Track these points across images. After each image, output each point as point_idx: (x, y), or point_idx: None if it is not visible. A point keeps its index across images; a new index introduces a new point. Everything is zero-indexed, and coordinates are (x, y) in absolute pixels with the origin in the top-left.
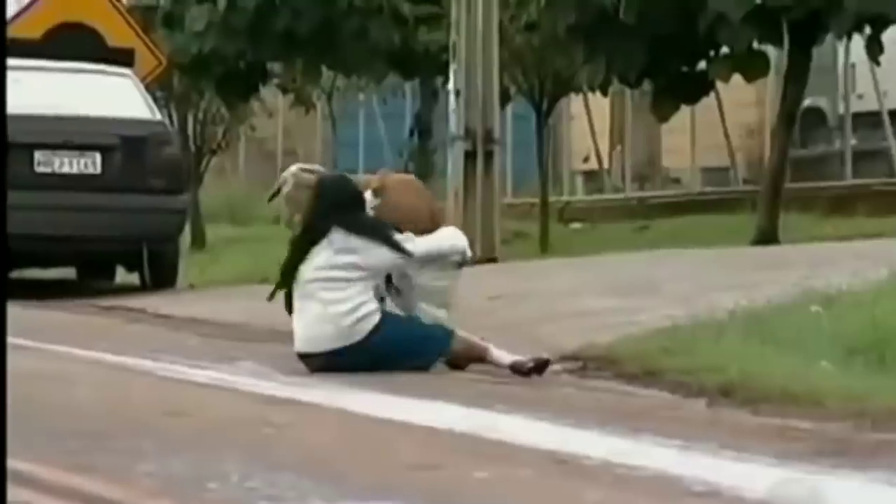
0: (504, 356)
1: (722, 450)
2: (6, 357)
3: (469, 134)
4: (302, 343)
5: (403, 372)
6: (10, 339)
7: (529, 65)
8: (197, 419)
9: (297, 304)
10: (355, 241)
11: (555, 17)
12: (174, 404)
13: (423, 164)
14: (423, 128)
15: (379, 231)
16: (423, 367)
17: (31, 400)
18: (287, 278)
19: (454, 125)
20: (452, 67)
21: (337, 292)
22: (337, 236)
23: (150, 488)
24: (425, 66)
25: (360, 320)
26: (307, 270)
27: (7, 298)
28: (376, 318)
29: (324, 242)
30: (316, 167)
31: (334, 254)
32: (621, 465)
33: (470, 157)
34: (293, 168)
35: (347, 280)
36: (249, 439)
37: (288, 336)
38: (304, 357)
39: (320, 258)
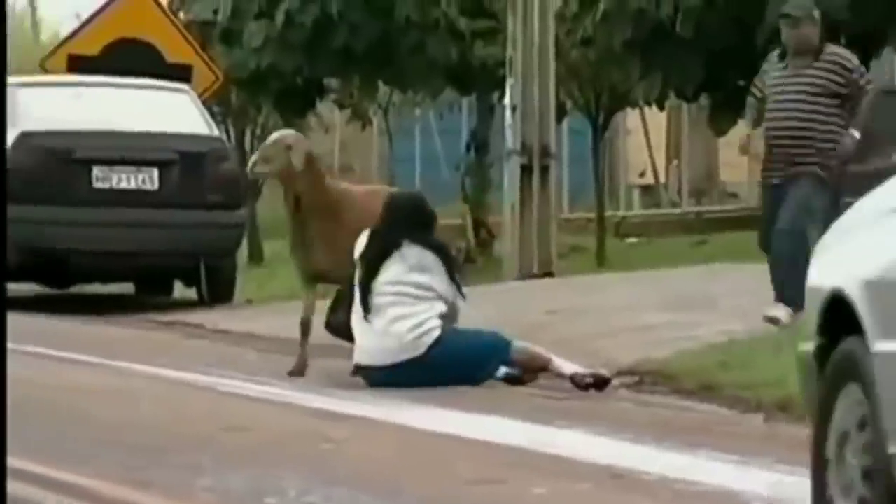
0: (565, 365)
1: (779, 465)
2: (6, 357)
3: (525, 148)
4: (363, 355)
5: (460, 386)
6: (73, 355)
7: (585, 79)
8: (255, 434)
9: (360, 315)
10: (430, 260)
11: (611, 31)
12: (232, 419)
13: (480, 178)
14: (479, 143)
15: (451, 262)
16: (484, 377)
17: (91, 415)
18: (365, 293)
19: (510, 140)
20: (509, 82)
21: (404, 308)
22: (411, 251)
23: (208, 503)
24: (482, 81)
25: (422, 335)
26: (377, 284)
27: (7, 300)
28: (437, 332)
29: (395, 256)
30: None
31: (408, 270)
32: (679, 480)
33: (526, 171)
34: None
35: (416, 297)
36: (307, 454)
37: (344, 351)
38: (363, 369)
39: (391, 273)
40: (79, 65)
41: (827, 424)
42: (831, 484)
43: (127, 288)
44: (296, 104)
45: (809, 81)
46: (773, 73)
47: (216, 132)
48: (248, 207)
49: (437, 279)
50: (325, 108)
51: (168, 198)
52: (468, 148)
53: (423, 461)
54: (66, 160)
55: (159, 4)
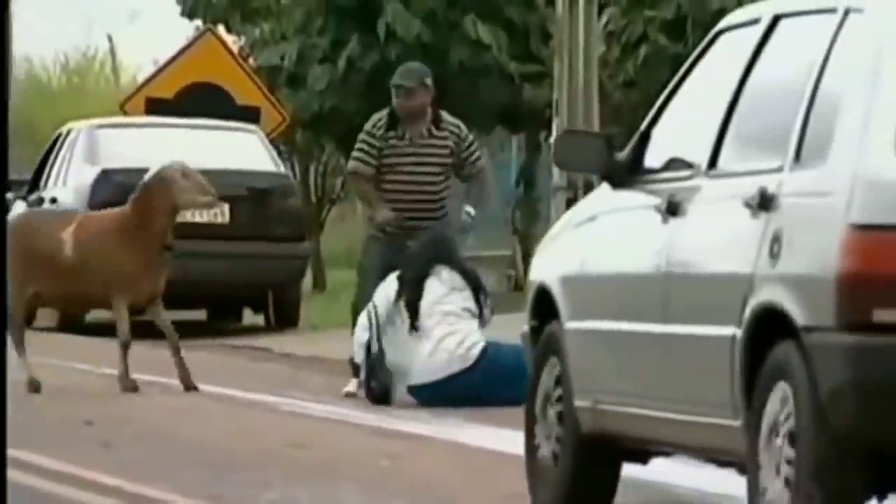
0: None
1: None
2: (6, 358)
3: (571, 184)
4: (414, 377)
5: (509, 406)
6: (149, 377)
7: (627, 120)
8: (317, 451)
9: (404, 338)
10: (461, 282)
11: (651, 74)
12: (296, 437)
13: (529, 212)
14: (528, 178)
15: (478, 284)
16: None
17: (167, 433)
18: (414, 314)
19: (557, 176)
20: (555, 122)
21: (450, 326)
22: (445, 273)
23: None
24: (530, 121)
25: (470, 348)
26: (423, 305)
27: (6, 298)
28: (482, 345)
29: (432, 277)
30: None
31: (449, 292)
32: None
33: (572, 205)
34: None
35: (459, 317)
36: (366, 470)
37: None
38: (415, 389)
39: (433, 294)
40: (155, 107)
41: (535, 388)
42: (538, 434)
43: (199, 314)
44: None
45: None
46: None
47: (282, 170)
48: (313, 239)
49: (471, 300)
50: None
51: (238, 231)
52: (517, 183)
53: (476, 478)
54: None
55: (230, 51)
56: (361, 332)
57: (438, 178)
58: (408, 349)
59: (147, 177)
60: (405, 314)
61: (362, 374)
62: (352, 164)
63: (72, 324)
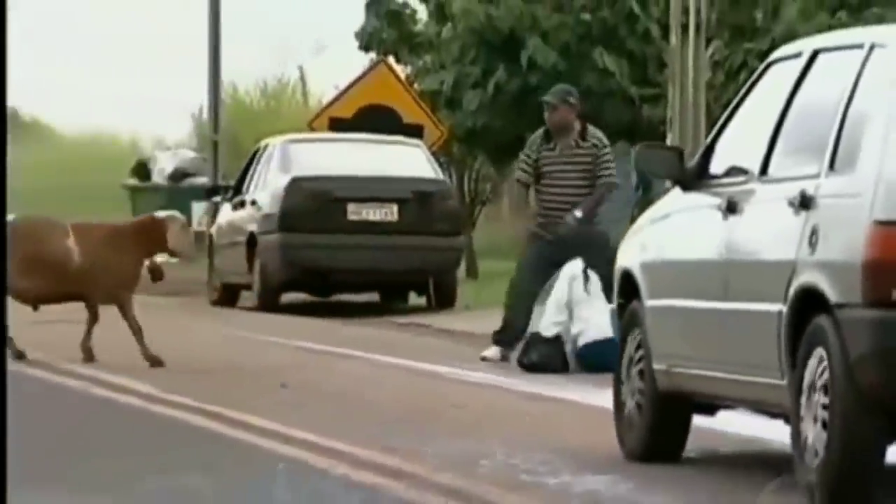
0: None
1: None
2: (6, 358)
3: None
4: (588, 334)
5: None
6: (334, 349)
7: None
8: (473, 410)
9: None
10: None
11: None
12: (456, 398)
13: (646, 210)
14: (645, 183)
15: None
16: None
17: (347, 395)
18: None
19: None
20: (669, 137)
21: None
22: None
23: (436, 464)
24: (648, 136)
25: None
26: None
27: (6, 299)
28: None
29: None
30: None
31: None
32: None
33: None
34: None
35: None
36: (512, 427)
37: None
38: (585, 349)
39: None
40: (337, 125)
41: (622, 355)
42: (624, 392)
43: (373, 297)
44: (504, 155)
45: None
46: None
47: (441, 176)
48: (466, 234)
49: None
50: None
51: (404, 227)
52: (637, 187)
53: (602, 434)
54: (327, 199)
55: (399, 78)
56: (553, 314)
57: (582, 182)
58: (589, 314)
59: (162, 214)
60: (584, 286)
61: (519, 347)
62: (516, 174)
63: (269, 305)
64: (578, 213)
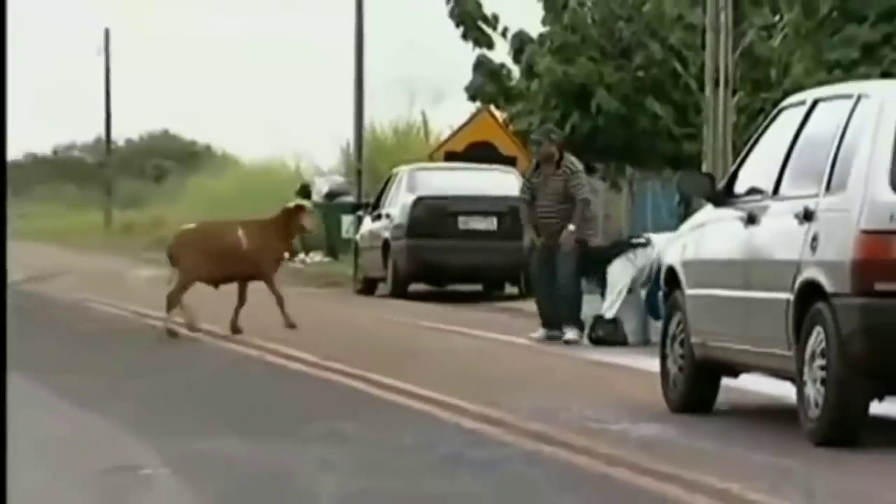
0: None
1: None
2: (6, 358)
3: None
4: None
5: None
6: (450, 327)
7: None
8: (558, 375)
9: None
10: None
11: None
12: (544, 365)
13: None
14: (686, 200)
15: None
16: None
17: (457, 362)
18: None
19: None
20: (704, 165)
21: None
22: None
23: (526, 415)
24: (688, 164)
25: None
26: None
27: (6, 298)
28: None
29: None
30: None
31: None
32: None
33: None
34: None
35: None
36: (584, 386)
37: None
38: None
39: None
40: (451, 157)
41: (666, 332)
42: (668, 361)
43: (477, 287)
44: None
45: None
46: None
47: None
48: None
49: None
50: (595, 182)
51: (501, 234)
52: (679, 203)
53: (656, 394)
54: (443, 213)
55: (497, 121)
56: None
57: (557, 199)
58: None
59: (298, 201)
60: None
61: (587, 327)
62: (519, 195)
63: (399, 293)
64: (571, 227)
